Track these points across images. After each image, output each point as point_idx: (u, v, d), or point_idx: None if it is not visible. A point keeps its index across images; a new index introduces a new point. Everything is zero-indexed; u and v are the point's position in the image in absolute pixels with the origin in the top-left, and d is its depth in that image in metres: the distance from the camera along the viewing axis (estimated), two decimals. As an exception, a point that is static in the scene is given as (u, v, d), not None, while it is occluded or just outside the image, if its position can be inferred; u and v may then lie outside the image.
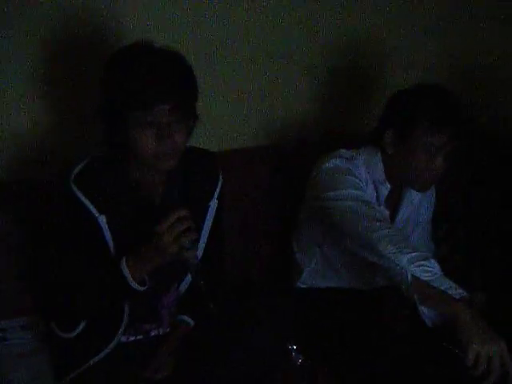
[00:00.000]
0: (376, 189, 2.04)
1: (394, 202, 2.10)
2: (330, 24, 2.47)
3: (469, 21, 2.74)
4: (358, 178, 1.98)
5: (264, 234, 2.36)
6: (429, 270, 1.74)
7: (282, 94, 2.45)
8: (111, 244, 1.72)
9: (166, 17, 2.14)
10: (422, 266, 1.74)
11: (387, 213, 2.06)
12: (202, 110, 1.74)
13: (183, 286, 1.88)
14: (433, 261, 1.76)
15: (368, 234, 1.81)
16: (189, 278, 1.86)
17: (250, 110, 2.39)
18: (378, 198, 2.04)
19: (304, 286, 2.19)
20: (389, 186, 2.04)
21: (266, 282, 2.32)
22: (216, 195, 1.86)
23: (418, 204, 2.16)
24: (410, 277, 1.73)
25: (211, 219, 1.86)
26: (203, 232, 1.84)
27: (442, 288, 1.72)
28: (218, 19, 2.24)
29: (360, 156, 2.04)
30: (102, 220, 1.69)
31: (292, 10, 2.38)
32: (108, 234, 1.70)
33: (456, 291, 1.72)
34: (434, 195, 2.22)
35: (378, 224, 1.82)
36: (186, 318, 1.89)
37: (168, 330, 1.89)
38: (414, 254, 1.75)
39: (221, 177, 1.87)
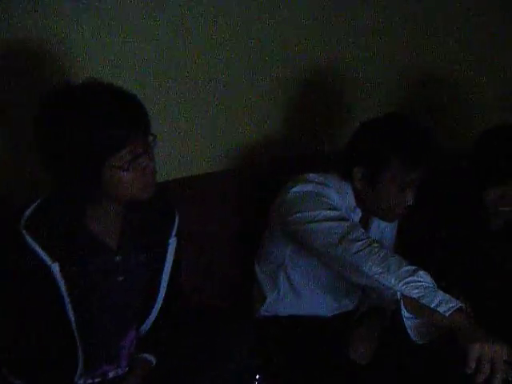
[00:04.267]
0: (350, 213, 2.01)
1: (365, 226, 2.07)
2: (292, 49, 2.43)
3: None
4: (331, 200, 1.94)
5: (225, 261, 2.31)
6: (419, 286, 1.68)
7: (239, 118, 2.39)
8: (66, 297, 1.63)
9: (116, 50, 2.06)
10: (411, 282, 1.69)
11: None
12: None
13: (144, 328, 1.83)
14: (422, 273, 1.71)
15: (349, 258, 1.77)
16: (151, 318, 1.81)
17: (205, 135, 2.33)
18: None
19: (267, 314, 2.15)
20: (360, 212, 2.02)
21: (231, 310, 2.25)
22: (174, 232, 1.81)
23: (383, 228, 2.15)
24: (399, 296, 1.69)
25: (172, 257, 1.80)
26: (165, 270, 1.79)
27: (435, 303, 1.66)
28: (174, 40, 2.17)
29: (330, 182, 1.99)
30: (55, 269, 1.60)
31: (258, 37, 2.34)
32: (62, 285, 1.62)
33: (449, 304, 1.66)
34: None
35: (358, 244, 1.77)
36: (147, 356, 1.83)
37: (127, 369, 1.83)
38: (401, 271, 1.71)
39: (176, 213, 1.82)
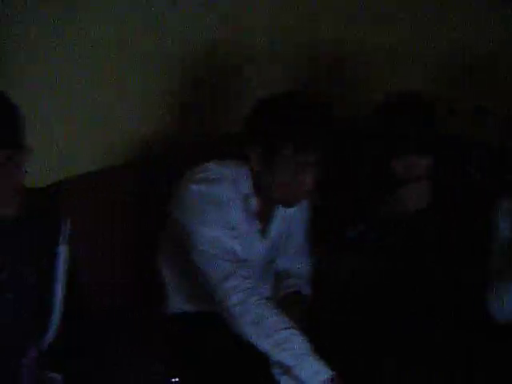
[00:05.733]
0: (246, 203, 1.95)
1: (266, 216, 2.02)
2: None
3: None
4: (225, 202, 1.89)
5: (123, 261, 2.23)
6: (292, 353, 1.71)
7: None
8: None
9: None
10: (286, 350, 1.72)
11: (259, 227, 1.99)
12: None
13: (44, 344, 1.70)
14: (297, 338, 1.73)
15: (225, 309, 1.79)
16: (50, 334, 1.69)
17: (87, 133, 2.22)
18: (247, 213, 1.95)
19: (176, 311, 2.07)
20: (257, 200, 1.96)
21: (134, 311, 2.19)
22: (62, 240, 1.68)
23: (290, 217, 2.08)
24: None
25: (63, 266, 1.68)
26: (57, 281, 1.67)
27: (306, 374, 1.70)
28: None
29: (228, 171, 1.94)
30: None
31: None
32: None
33: (319, 377, 1.70)
34: (306, 208, 2.14)
35: (234, 297, 1.77)
36: (52, 374, 1.71)
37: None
38: (275, 338, 1.72)
39: (63, 219, 1.68)
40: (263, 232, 2.01)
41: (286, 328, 1.74)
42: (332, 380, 1.70)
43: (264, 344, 1.74)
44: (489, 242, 2.08)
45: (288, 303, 2.04)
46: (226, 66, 2.53)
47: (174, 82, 2.41)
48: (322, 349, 1.81)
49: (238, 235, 1.89)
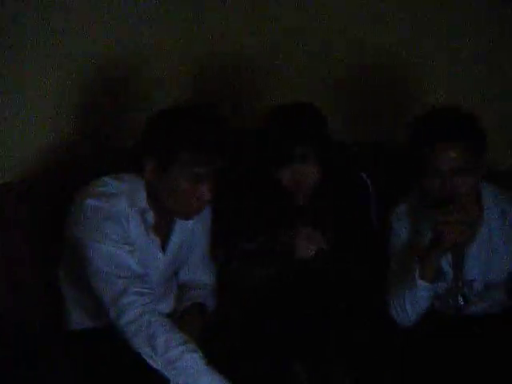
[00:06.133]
0: (143, 217, 1.92)
1: (165, 229, 2.00)
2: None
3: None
4: (121, 217, 1.85)
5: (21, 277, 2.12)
6: (185, 372, 1.70)
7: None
8: None
9: None
10: (177, 368, 1.71)
11: (157, 240, 1.96)
12: None
13: None
14: (189, 356, 1.72)
15: (120, 327, 1.77)
16: None
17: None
18: (145, 227, 1.92)
19: (75, 327, 2.02)
20: (154, 213, 1.93)
21: (33, 326, 2.10)
22: None
23: (191, 229, 2.06)
24: None
25: None
26: None
27: None
28: None
29: (124, 185, 1.90)
30: None
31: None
32: None
33: None
34: (210, 217, 2.13)
35: (126, 315, 1.76)
36: None
37: None
38: (167, 355, 1.71)
39: None
40: (163, 245, 1.99)
41: (177, 345, 1.72)
42: None
43: (157, 363, 1.73)
44: (387, 246, 2.12)
45: (190, 315, 2.04)
46: (112, 79, 2.50)
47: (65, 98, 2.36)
48: (228, 356, 1.84)
49: (134, 250, 1.86)
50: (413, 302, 2.00)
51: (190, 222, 2.02)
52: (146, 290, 1.82)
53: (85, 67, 2.37)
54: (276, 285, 2.16)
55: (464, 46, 2.52)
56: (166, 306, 2.07)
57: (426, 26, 2.54)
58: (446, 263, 2.04)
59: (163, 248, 2.00)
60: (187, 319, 2.02)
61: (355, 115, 2.65)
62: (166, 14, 2.63)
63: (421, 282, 1.97)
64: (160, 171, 1.86)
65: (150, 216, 1.93)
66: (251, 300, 2.15)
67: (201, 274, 2.15)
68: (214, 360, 1.78)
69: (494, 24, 2.48)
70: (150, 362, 1.74)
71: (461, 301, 2.02)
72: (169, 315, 2.01)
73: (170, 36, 2.63)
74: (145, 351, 1.73)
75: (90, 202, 1.84)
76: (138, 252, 1.88)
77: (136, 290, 1.80)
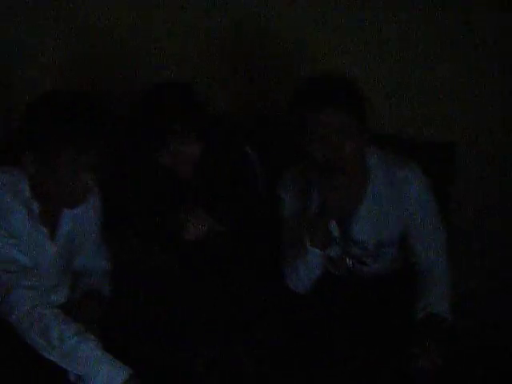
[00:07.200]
0: (28, 209, 1.88)
1: (52, 219, 1.96)
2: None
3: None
4: (4, 210, 1.83)
5: None
6: (83, 361, 1.70)
7: None
8: None
9: None
10: (73, 360, 1.71)
11: (45, 231, 1.92)
12: None
13: None
14: (85, 345, 1.71)
15: (13, 322, 1.76)
16: None
17: None
18: (31, 218, 1.88)
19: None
20: (39, 204, 1.89)
21: None
22: None
23: (80, 216, 2.03)
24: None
25: None
26: None
27: (99, 381, 1.69)
28: None
29: (6, 177, 1.86)
30: None
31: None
32: None
33: (116, 381, 1.69)
34: (99, 204, 2.10)
35: (18, 309, 1.74)
36: None
37: None
38: (63, 346, 1.71)
39: None
40: (51, 235, 1.96)
41: (72, 336, 1.72)
42: (131, 378, 1.70)
43: (53, 355, 1.72)
44: (278, 215, 2.13)
45: (86, 303, 2.02)
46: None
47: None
48: (127, 342, 1.86)
49: (21, 243, 1.84)
50: (306, 269, 2.04)
51: (78, 210, 1.99)
52: (35, 283, 1.81)
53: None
54: (173, 267, 2.16)
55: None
56: (60, 296, 2.05)
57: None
58: (335, 228, 2.07)
59: (53, 238, 1.96)
60: (83, 307, 2.00)
61: (241, 90, 2.64)
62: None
63: (312, 250, 2.00)
64: (40, 163, 1.82)
65: (35, 206, 1.89)
66: (149, 284, 2.14)
67: (95, 261, 2.13)
68: (113, 346, 1.78)
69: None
70: (46, 354, 1.73)
71: (349, 263, 2.06)
72: (64, 305, 1.99)
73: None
74: (40, 345, 1.73)
75: None
76: (25, 244, 1.86)
77: (24, 283, 1.78)
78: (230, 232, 2.16)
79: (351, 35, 2.52)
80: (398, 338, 1.98)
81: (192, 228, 2.10)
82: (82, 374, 1.71)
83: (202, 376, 1.92)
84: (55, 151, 1.80)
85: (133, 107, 2.13)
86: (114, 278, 2.14)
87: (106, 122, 1.86)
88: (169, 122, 2.06)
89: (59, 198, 1.89)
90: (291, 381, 1.94)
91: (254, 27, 2.57)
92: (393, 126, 2.53)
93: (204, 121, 2.12)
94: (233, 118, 2.45)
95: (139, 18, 2.59)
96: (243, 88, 2.64)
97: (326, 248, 2.03)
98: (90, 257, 2.12)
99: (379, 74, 2.52)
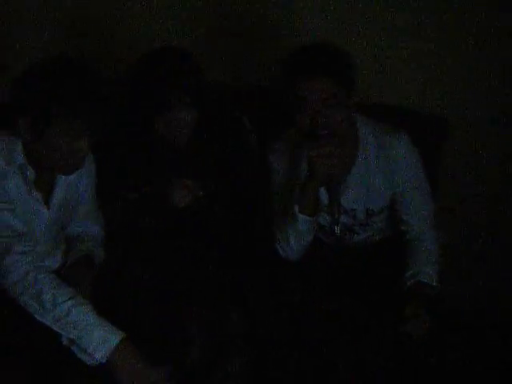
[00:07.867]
0: (22, 174, 1.89)
1: (47, 184, 1.97)
2: None
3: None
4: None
5: None
6: (76, 326, 1.72)
7: None
8: None
9: None
10: (67, 323, 1.72)
11: (39, 197, 1.94)
12: None
13: None
14: (78, 309, 1.73)
15: (8, 287, 1.78)
16: None
17: None
18: (26, 183, 1.90)
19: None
20: (33, 169, 1.90)
21: None
22: None
23: (75, 182, 2.05)
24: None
25: None
26: None
27: (91, 347, 1.71)
28: None
29: (0, 143, 1.87)
30: None
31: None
32: None
33: (105, 345, 1.71)
34: (94, 170, 2.11)
35: (13, 274, 1.77)
36: None
37: None
38: (56, 311, 1.73)
39: None
40: (46, 201, 1.97)
41: (65, 301, 1.74)
42: (124, 341, 1.72)
43: (46, 319, 1.74)
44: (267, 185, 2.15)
45: (78, 268, 2.03)
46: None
47: None
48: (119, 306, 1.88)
49: (15, 209, 1.86)
50: (296, 236, 2.06)
51: (72, 176, 2.00)
52: (29, 248, 1.83)
53: None
54: (162, 234, 2.19)
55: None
56: (54, 261, 2.07)
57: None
58: (324, 194, 2.09)
59: (47, 203, 1.98)
60: (76, 272, 2.01)
61: (235, 59, 2.65)
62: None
63: (301, 216, 2.02)
64: (35, 129, 1.82)
65: (30, 172, 1.90)
66: (139, 249, 2.17)
67: (89, 227, 2.14)
68: (106, 311, 1.79)
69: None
70: (39, 318, 1.75)
71: (337, 231, 2.08)
72: (57, 270, 2.02)
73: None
74: (33, 308, 1.75)
75: None
76: (20, 209, 1.87)
77: (19, 249, 1.80)
78: (222, 201, 2.18)
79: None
80: (387, 304, 2.01)
81: (177, 195, 2.12)
82: (75, 337, 1.72)
83: (193, 338, 1.94)
84: (47, 119, 1.80)
85: (130, 71, 2.13)
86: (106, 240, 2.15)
87: (98, 88, 1.86)
88: (166, 86, 2.05)
89: (54, 165, 1.89)
90: (282, 347, 1.97)
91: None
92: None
93: (201, 88, 2.11)
94: (230, 88, 2.45)
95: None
96: (240, 58, 2.65)
97: (315, 214, 2.05)
98: (84, 223, 2.14)
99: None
